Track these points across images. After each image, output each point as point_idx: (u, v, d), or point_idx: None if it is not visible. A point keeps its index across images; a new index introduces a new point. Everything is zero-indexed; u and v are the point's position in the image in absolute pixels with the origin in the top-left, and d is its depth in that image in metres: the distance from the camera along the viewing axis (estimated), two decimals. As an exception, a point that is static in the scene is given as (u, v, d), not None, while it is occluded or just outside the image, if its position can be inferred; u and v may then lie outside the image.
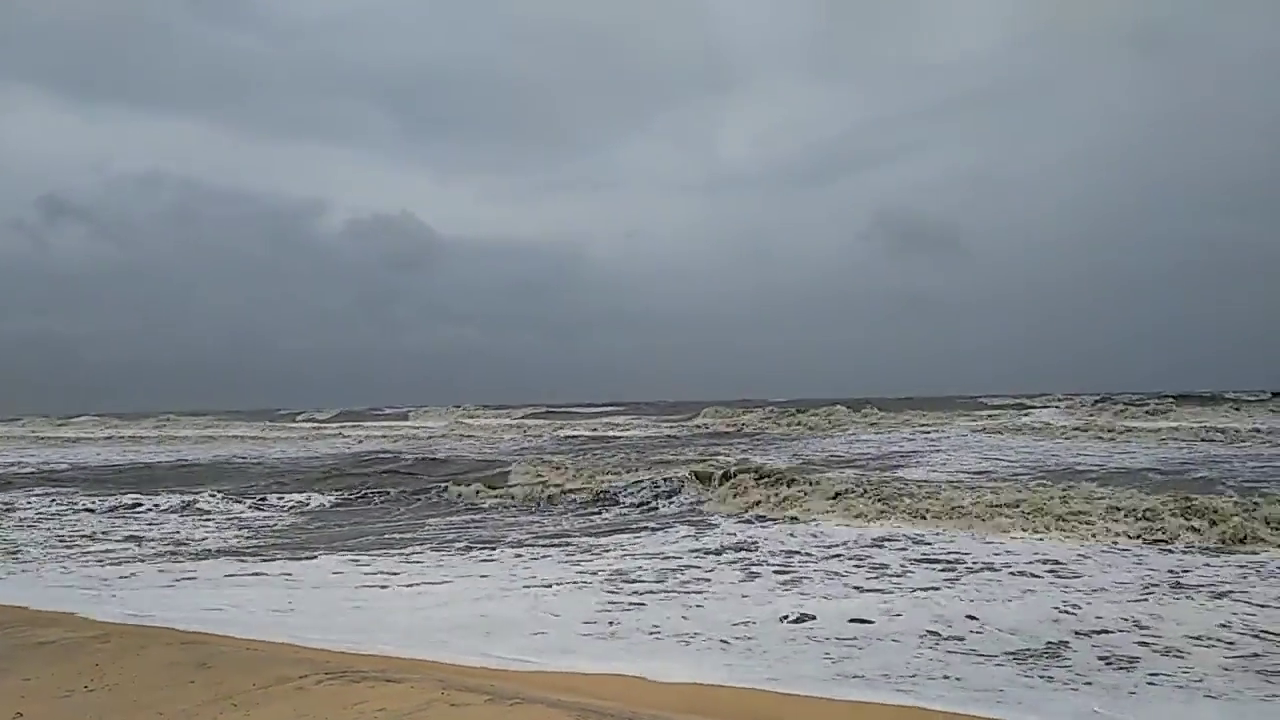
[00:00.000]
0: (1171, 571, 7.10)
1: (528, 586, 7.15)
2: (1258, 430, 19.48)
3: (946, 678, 4.61)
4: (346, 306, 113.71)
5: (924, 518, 9.44)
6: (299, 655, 4.92)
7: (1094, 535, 8.40)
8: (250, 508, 13.37)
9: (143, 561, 8.90)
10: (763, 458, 19.98)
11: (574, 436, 31.03)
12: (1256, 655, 4.87)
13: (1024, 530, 8.71)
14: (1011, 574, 7.14)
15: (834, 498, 10.48)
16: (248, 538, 10.59)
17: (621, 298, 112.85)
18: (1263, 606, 5.88)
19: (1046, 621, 5.62)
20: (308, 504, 13.77)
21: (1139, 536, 8.27)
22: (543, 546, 9.26)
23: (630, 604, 6.42)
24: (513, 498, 13.10)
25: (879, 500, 10.17)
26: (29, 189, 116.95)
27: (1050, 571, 7.20)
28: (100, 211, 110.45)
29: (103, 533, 10.94)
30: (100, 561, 8.95)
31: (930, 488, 11.09)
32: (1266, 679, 4.50)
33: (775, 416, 33.07)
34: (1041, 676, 4.64)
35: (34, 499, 14.53)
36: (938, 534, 8.89)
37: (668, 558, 8.34)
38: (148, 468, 22.66)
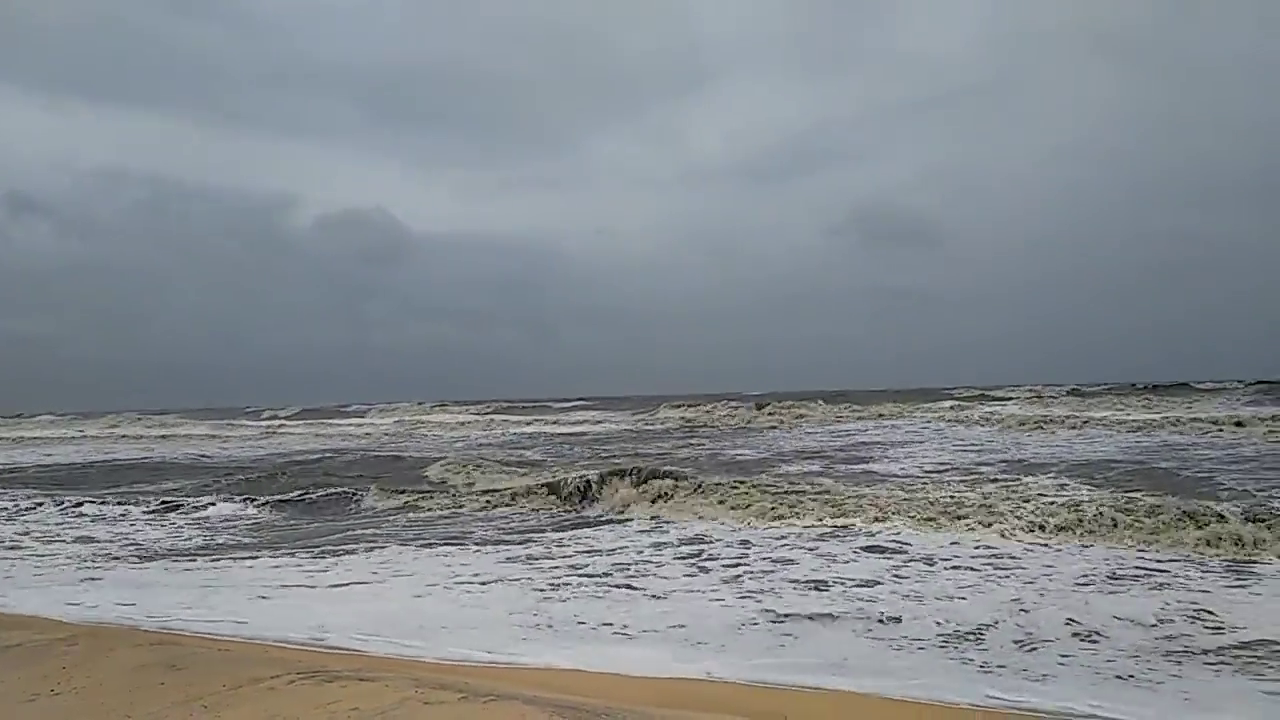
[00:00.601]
0: (1108, 562, 7.45)
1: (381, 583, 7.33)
2: (1237, 422, 20.22)
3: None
4: (319, 303, 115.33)
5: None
6: (270, 655, 5.00)
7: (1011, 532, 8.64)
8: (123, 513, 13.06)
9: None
10: (732, 451, 20.44)
11: (531, 434, 31.14)
12: (1170, 637, 5.27)
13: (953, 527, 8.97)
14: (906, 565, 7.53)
15: (721, 501, 10.76)
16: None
17: (596, 293, 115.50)
18: (1200, 593, 6.33)
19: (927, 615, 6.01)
20: (205, 509, 13.28)
21: (1066, 529, 8.54)
22: (420, 547, 9.33)
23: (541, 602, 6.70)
24: (414, 500, 13.02)
25: (773, 498, 10.48)
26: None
27: (916, 564, 7.58)
28: (66, 208, 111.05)
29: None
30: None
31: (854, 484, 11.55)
32: (1176, 660, 4.89)
33: (747, 410, 33.53)
34: (959, 660, 5.01)
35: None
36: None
37: (597, 552, 8.60)
38: (77, 468, 22.45)
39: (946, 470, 14.20)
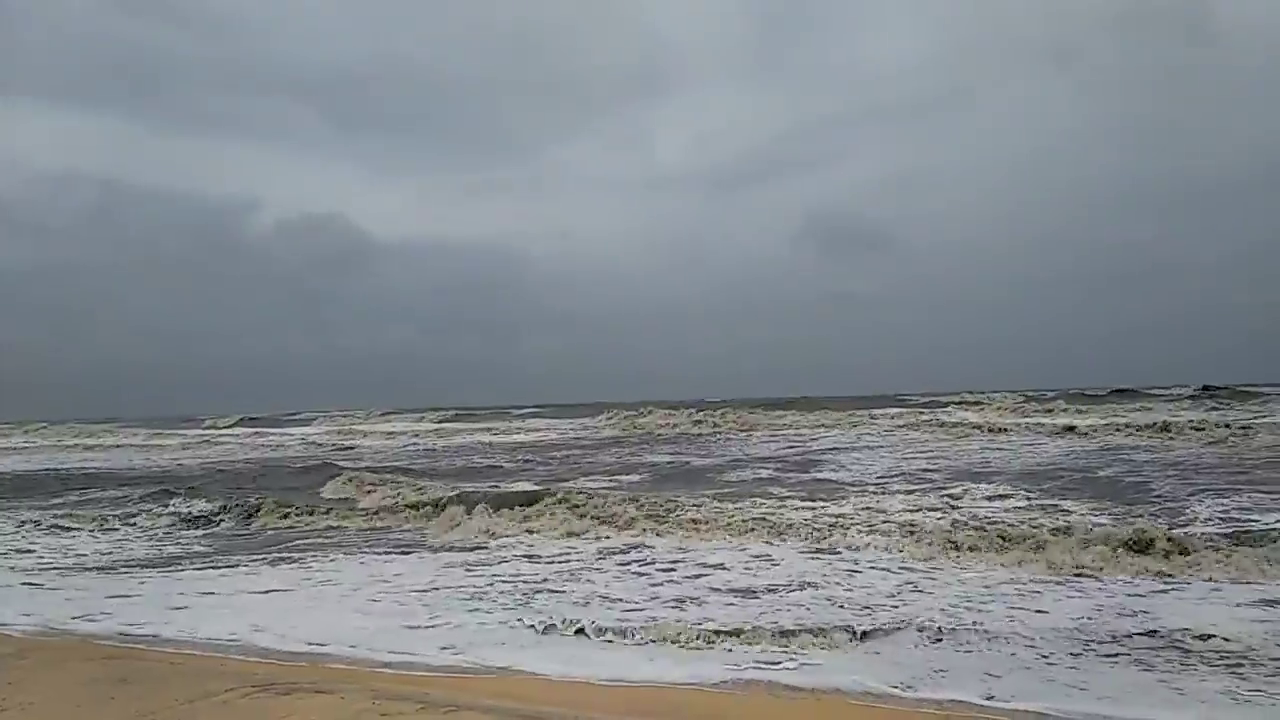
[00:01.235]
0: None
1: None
2: (1174, 425, 21.20)
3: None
4: (277, 308, 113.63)
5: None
6: (225, 668, 5.00)
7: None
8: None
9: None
10: (683, 457, 20.75)
11: (471, 444, 30.88)
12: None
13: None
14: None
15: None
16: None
17: (560, 299, 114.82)
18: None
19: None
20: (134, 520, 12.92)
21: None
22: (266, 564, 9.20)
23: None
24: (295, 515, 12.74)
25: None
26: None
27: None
28: (14, 211, 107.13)
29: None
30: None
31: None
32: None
33: (707, 416, 33.90)
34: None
35: None
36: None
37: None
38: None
39: (895, 478, 14.66)
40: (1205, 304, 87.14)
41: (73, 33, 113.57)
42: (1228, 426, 20.30)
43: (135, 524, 12.70)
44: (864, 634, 5.74)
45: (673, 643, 5.76)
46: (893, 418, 29.82)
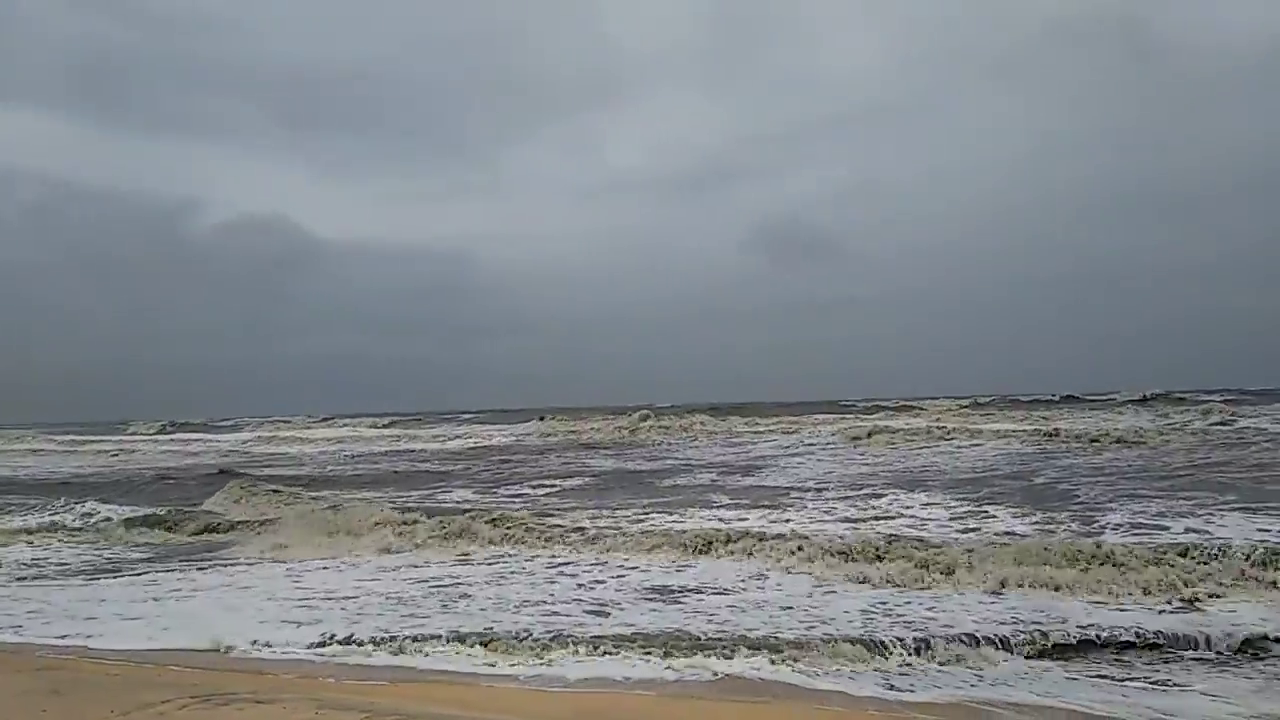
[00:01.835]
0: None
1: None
2: (1134, 434, 22.23)
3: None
4: (222, 311, 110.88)
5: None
6: (161, 678, 4.95)
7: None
8: None
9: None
10: (628, 463, 21.01)
11: (394, 451, 30.40)
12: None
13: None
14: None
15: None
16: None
17: (511, 303, 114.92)
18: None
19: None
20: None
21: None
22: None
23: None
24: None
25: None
26: None
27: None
28: None
29: None
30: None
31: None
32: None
33: (654, 422, 34.12)
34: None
35: None
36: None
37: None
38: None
39: (830, 485, 15.08)
40: (1154, 311, 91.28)
41: (17, 29, 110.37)
42: (1161, 434, 21.30)
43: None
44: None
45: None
46: (834, 423, 30.43)
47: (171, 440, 43.22)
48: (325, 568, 9.43)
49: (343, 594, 7.90)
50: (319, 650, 6.10)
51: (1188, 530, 9.13)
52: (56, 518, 13.71)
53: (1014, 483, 14.41)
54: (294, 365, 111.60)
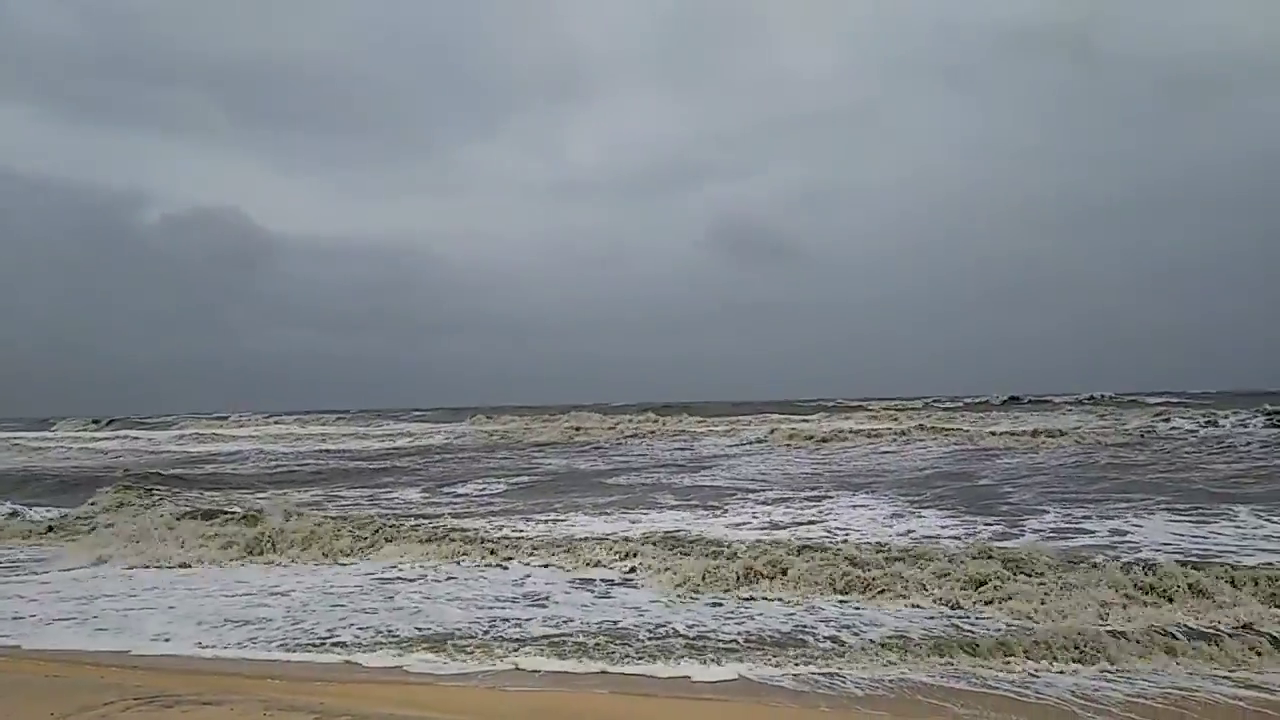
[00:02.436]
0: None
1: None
2: (1074, 435, 23.10)
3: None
4: (170, 307, 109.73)
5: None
6: (104, 680, 4.88)
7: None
8: None
9: None
10: (574, 462, 21.14)
11: (322, 450, 29.70)
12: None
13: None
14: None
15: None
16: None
17: (467, 301, 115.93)
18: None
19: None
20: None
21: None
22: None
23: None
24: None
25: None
26: None
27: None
28: None
29: None
30: None
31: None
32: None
33: (604, 420, 34.26)
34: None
35: None
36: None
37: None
38: None
39: (774, 485, 15.50)
40: (1095, 316, 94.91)
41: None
42: (1099, 442, 22.26)
43: None
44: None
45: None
46: (785, 423, 30.97)
47: (94, 439, 41.60)
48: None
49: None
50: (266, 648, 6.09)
51: (1112, 533, 9.62)
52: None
53: (955, 483, 14.95)
54: (245, 361, 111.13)
